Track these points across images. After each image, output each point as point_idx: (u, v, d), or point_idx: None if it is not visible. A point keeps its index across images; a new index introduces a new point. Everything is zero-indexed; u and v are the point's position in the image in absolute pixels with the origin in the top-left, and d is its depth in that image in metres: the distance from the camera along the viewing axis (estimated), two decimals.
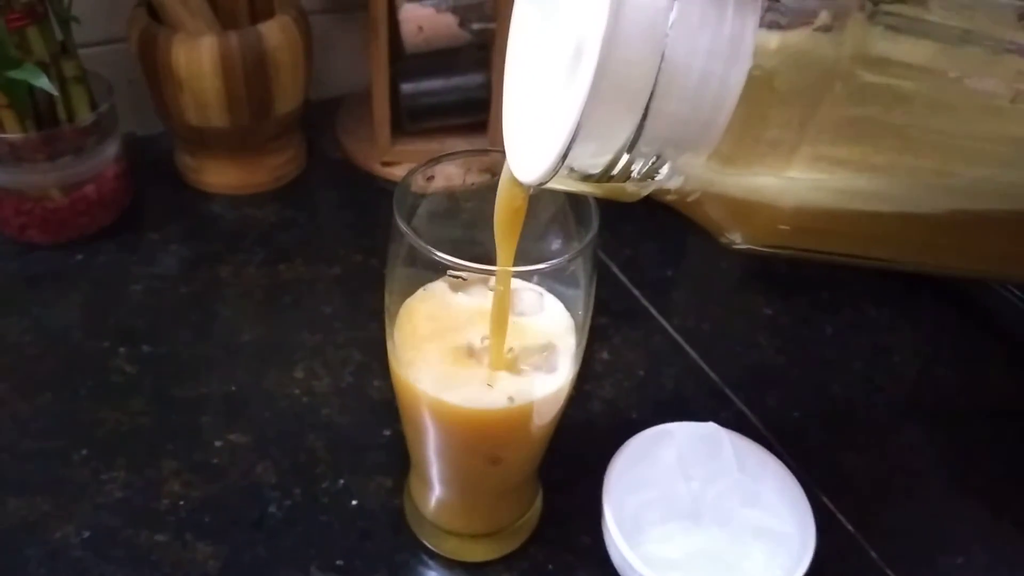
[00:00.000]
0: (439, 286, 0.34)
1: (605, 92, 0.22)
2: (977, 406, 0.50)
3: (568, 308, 0.35)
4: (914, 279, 0.57)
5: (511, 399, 0.32)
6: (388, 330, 0.34)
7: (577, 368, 0.34)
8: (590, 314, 0.34)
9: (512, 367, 0.33)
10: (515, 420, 0.33)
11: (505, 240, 0.31)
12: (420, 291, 0.34)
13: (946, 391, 0.51)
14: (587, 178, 0.25)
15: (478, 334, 0.33)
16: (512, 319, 0.33)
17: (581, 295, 0.33)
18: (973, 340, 0.54)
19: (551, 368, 0.33)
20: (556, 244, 0.34)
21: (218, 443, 0.43)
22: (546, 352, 0.34)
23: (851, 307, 0.56)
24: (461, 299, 0.34)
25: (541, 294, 0.35)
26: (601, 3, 0.21)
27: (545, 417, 0.34)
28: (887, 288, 0.57)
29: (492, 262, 0.31)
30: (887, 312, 0.56)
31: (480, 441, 0.35)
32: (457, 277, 0.30)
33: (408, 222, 0.32)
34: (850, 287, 0.57)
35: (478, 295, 0.34)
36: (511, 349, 0.33)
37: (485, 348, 0.33)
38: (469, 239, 0.33)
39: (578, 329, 0.34)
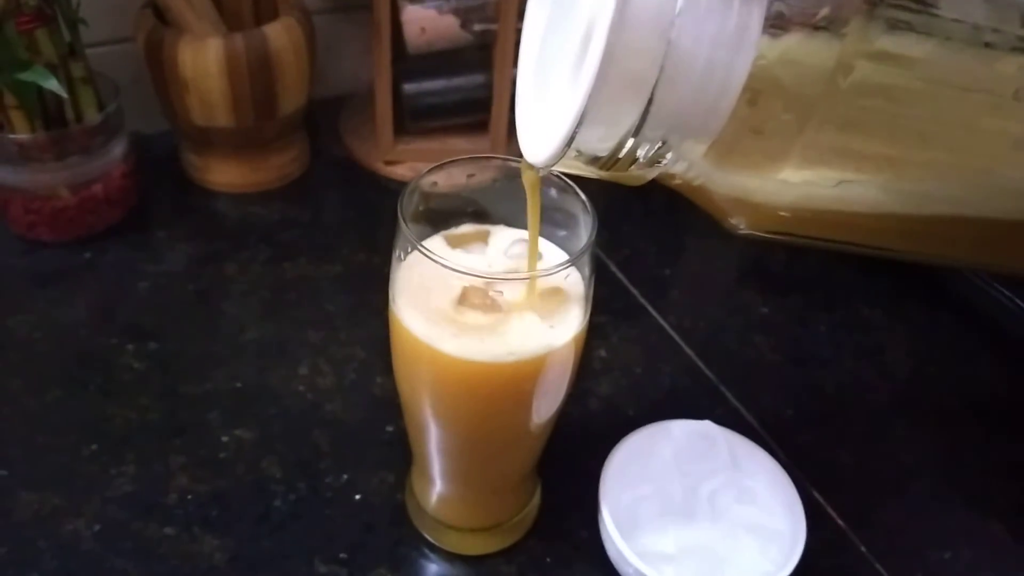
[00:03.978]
0: (436, 242, 0.34)
1: (611, 78, 0.22)
2: (967, 405, 0.51)
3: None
4: (906, 279, 0.58)
5: (511, 353, 0.31)
6: (390, 289, 0.34)
7: (583, 326, 0.33)
8: (593, 275, 0.33)
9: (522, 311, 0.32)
10: (515, 377, 0.32)
11: (530, 204, 0.32)
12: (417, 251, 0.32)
13: (936, 390, 0.52)
14: (594, 161, 0.25)
15: (475, 286, 0.32)
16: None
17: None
18: (964, 340, 0.55)
19: (557, 321, 0.33)
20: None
21: (224, 438, 0.44)
22: (554, 301, 0.33)
23: (844, 306, 0.57)
24: (459, 255, 0.34)
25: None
26: None
27: (544, 384, 0.33)
28: (880, 288, 0.58)
29: (489, 219, 0.35)
30: (879, 312, 0.57)
31: (479, 404, 0.34)
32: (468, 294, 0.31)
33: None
34: (844, 287, 0.58)
35: (476, 252, 0.35)
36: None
37: (485, 302, 0.32)
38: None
39: (585, 281, 0.33)
